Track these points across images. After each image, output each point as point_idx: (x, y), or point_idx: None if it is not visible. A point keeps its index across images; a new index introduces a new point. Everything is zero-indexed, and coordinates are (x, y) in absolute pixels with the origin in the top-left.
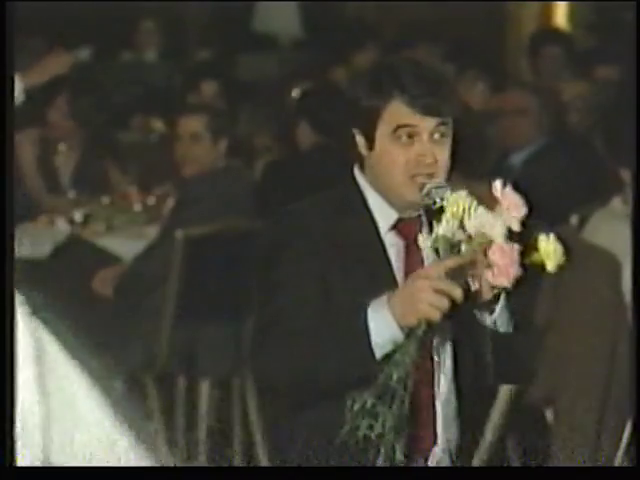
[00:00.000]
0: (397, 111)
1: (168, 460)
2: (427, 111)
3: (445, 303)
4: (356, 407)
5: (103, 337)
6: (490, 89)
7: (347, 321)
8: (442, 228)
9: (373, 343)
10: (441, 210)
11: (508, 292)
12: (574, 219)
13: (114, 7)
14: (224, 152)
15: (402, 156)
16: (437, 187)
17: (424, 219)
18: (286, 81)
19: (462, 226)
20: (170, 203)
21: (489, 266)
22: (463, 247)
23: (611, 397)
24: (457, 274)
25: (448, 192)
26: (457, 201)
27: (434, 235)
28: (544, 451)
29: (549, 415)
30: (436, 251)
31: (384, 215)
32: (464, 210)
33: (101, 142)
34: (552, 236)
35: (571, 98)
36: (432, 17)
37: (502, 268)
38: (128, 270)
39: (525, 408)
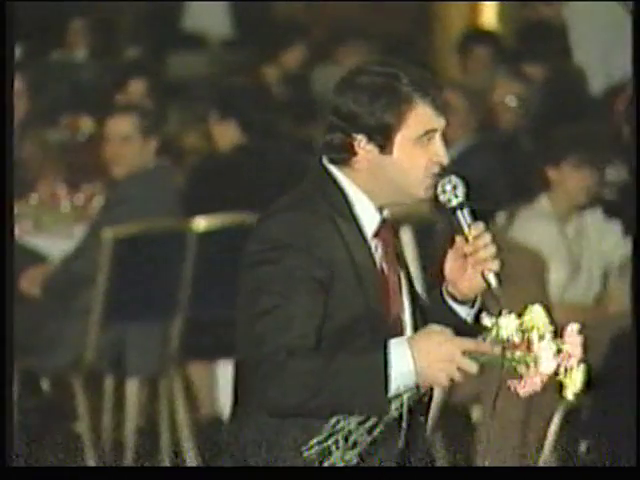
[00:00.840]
0: (423, 115)
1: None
2: (442, 111)
3: (460, 378)
4: (338, 427)
5: (30, 337)
6: None
7: (365, 352)
8: (507, 329)
9: (390, 384)
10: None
11: None
12: (501, 217)
13: (43, 6)
14: (153, 152)
15: (423, 158)
16: (453, 183)
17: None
18: (215, 80)
19: (521, 334)
20: (99, 202)
21: (520, 378)
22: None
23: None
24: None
25: (462, 187)
26: (537, 318)
27: (500, 325)
28: (470, 449)
29: (475, 413)
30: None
31: (369, 219)
32: (540, 336)
33: (30, 140)
34: (582, 367)
35: (499, 97)
36: (361, 15)
37: (530, 386)
38: (56, 269)
39: (451, 407)
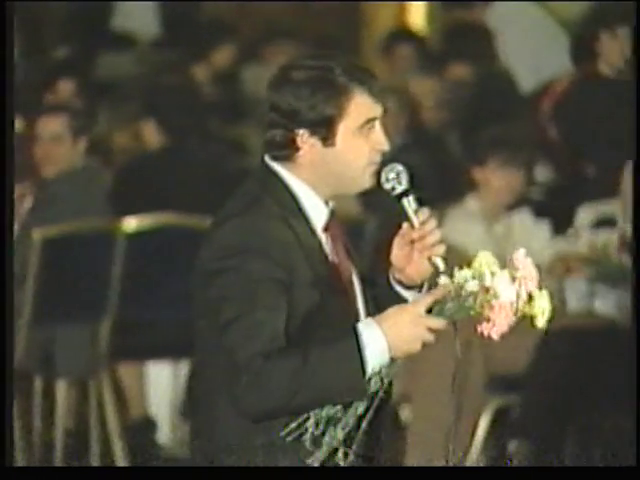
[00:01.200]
0: (362, 105)
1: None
2: (380, 99)
3: (432, 338)
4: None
5: None
6: None
7: (337, 340)
8: (463, 278)
9: (367, 366)
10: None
11: None
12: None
13: None
14: (83, 152)
15: (365, 146)
16: (396, 171)
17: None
18: (144, 80)
19: (480, 279)
20: (28, 203)
21: (488, 320)
22: (469, 298)
23: (466, 394)
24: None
25: (406, 175)
26: (485, 261)
27: (455, 282)
28: (399, 449)
29: (404, 413)
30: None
31: (317, 213)
32: (491, 273)
33: None
34: (545, 292)
35: (425, 97)
36: (290, 15)
37: (500, 326)
38: None
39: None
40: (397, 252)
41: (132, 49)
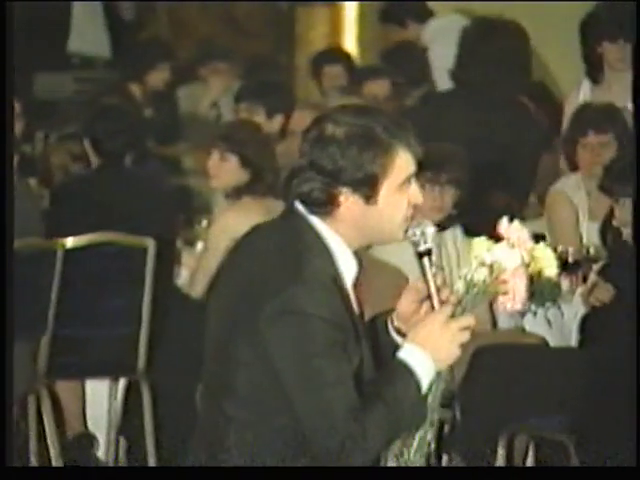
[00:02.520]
0: (404, 162)
1: None
2: (417, 154)
3: (468, 337)
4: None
5: None
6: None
7: (393, 377)
8: (474, 274)
9: (423, 389)
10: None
11: None
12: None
13: None
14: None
15: (404, 202)
16: (423, 229)
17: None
18: (82, 99)
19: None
20: None
21: (505, 293)
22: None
23: None
24: None
25: (432, 235)
26: (477, 246)
27: (469, 279)
28: None
29: None
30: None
31: (348, 266)
32: (488, 250)
33: None
34: (542, 244)
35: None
36: (224, 35)
37: (519, 292)
38: None
39: None
40: (404, 305)
41: (70, 69)
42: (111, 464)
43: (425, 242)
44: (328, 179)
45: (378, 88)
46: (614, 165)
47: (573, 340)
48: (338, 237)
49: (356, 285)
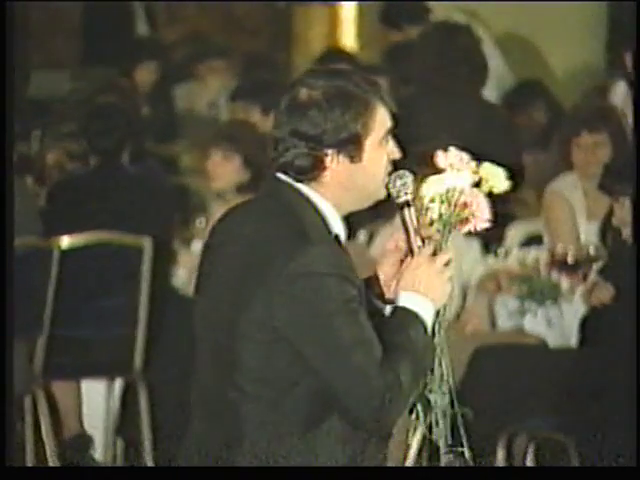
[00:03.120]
0: (383, 117)
1: None
2: (391, 107)
3: (453, 269)
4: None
5: None
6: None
7: (403, 324)
8: (436, 211)
9: (428, 328)
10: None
11: None
12: (362, 235)
13: None
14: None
15: (385, 157)
16: (404, 180)
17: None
18: (77, 97)
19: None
20: None
21: (469, 217)
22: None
23: None
24: None
25: (412, 184)
26: (425, 186)
27: (436, 217)
28: None
29: None
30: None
31: (340, 231)
32: (432, 182)
33: None
34: (485, 163)
35: None
36: (222, 33)
37: (484, 210)
38: None
39: None
40: (388, 269)
41: (64, 67)
42: (108, 465)
43: (406, 193)
44: (312, 143)
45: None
46: (613, 164)
47: (573, 340)
48: (327, 202)
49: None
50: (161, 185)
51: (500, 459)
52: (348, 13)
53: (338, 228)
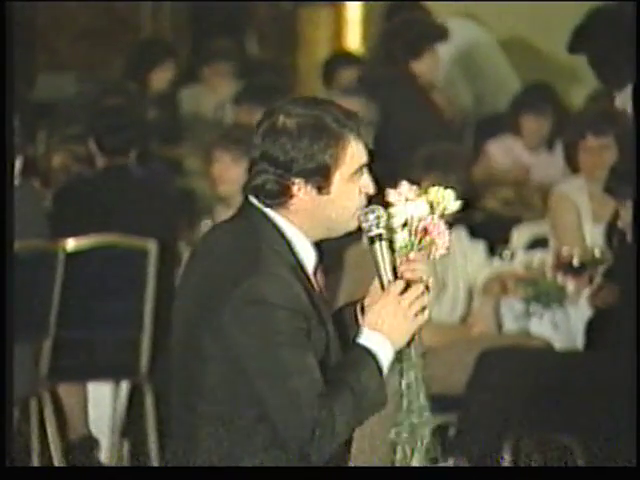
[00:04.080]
0: (356, 152)
1: None
2: (367, 143)
3: (425, 302)
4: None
5: None
6: None
7: (356, 362)
8: (400, 242)
9: (384, 373)
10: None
11: None
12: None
13: None
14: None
15: (356, 191)
16: (378, 214)
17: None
18: (83, 100)
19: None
20: None
21: (432, 242)
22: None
23: None
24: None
25: (385, 220)
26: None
27: (399, 248)
28: None
29: None
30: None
31: (308, 257)
32: (391, 215)
33: None
34: (431, 187)
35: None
36: (226, 37)
37: (443, 234)
38: None
39: None
40: (371, 298)
41: (72, 70)
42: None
43: (377, 226)
44: (280, 170)
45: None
46: (619, 167)
47: (579, 343)
48: (293, 227)
49: (316, 274)
50: (166, 188)
51: (506, 462)
52: (354, 16)
53: (305, 253)
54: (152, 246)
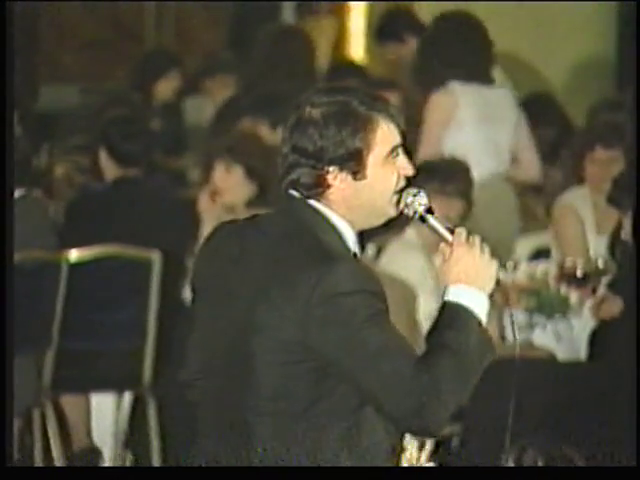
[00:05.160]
0: (387, 133)
1: None
2: (400, 124)
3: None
4: None
5: None
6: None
7: (452, 320)
8: None
9: (483, 321)
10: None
11: None
12: (370, 249)
13: None
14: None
15: (393, 174)
16: (413, 193)
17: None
18: (87, 111)
19: None
20: None
21: None
22: None
23: None
24: None
25: (424, 194)
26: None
27: None
28: None
29: None
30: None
31: (355, 248)
32: None
33: None
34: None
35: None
36: (229, 48)
37: None
38: None
39: None
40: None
41: (74, 81)
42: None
43: (421, 204)
44: (312, 161)
45: (391, 101)
46: (622, 178)
47: (582, 354)
48: (339, 218)
49: None
50: (170, 198)
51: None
52: (356, 26)
53: (354, 245)
54: (155, 257)
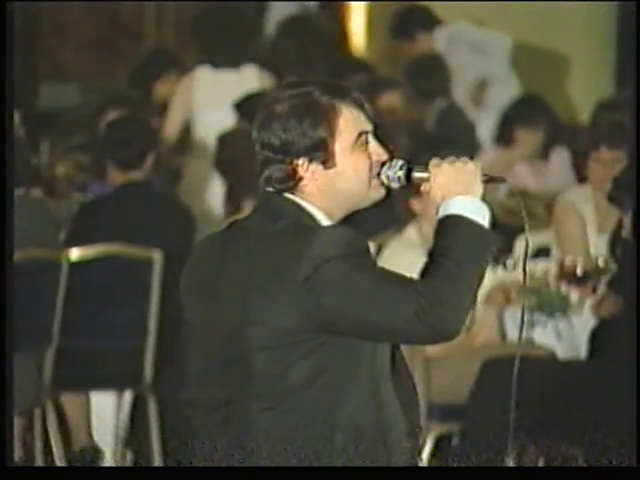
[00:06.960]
0: (350, 120)
1: None
2: (366, 111)
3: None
4: None
5: None
6: None
7: (454, 227)
8: None
9: (483, 222)
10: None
11: None
12: (370, 248)
13: None
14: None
15: (366, 160)
16: (389, 165)
17: None
18: (88, 110)
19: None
20: None
21: None
22: None
23: None
24: None
25: (396, 160)
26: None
27: None
28: None
29: None
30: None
31: None
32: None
33: None
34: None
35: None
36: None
37: None
38: None
39: None
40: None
41: (75, 80)
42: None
43: (401, 167)
44: (280, 155)
45: (393, 100)
46: (623, 177)
47: (582, 352)
48: (316, 209)
49: None
50: (172, 197)
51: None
52: (358, 26)
53: None
54: (157, 256)
